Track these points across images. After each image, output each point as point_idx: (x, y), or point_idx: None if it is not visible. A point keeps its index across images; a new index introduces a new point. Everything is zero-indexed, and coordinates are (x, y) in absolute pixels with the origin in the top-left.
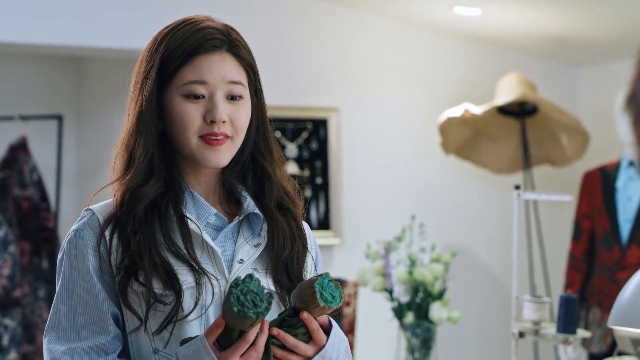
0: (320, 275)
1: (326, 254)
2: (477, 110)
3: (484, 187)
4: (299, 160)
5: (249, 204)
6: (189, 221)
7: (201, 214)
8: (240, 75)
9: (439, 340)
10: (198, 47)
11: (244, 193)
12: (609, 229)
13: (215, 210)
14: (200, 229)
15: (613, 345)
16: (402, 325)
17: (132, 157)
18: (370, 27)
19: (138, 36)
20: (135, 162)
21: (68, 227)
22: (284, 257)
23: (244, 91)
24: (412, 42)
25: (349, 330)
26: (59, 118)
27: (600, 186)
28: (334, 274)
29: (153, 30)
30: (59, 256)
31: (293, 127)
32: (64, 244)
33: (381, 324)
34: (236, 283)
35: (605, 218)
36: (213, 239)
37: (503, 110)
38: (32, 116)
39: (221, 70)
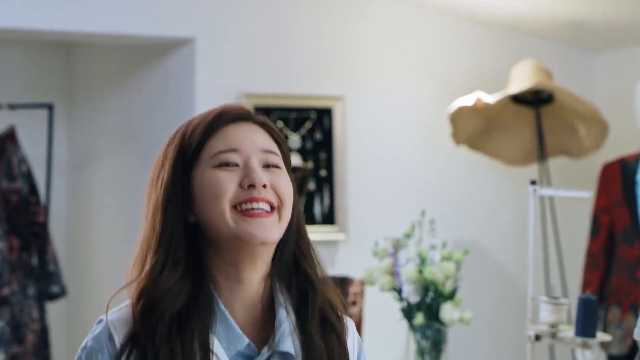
0: None
1: (330, 250)
2: (490, 99)
3: (497, 181)
4: (302, 152)
5: (282, 334)
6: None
7: (232, 342)
8: (273, 146)
9: (450, 343)
10: (222, 118)
11: (281, 313)
12: (629, 224)
13: (248, 341)
14: None
15: (634, 346)
16: (412, 327)
17: (152, 255)
18: (377, 11)
19: (132, 21)
20: (154, 261)
21: (59, 222)
22: None
23: (280, 163)
24: (421, 28)
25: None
26: (50, 107)
27: (619, 179)
28: (339, 271)
29: (149, 15)
30: None
31: (296, 116)
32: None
33: (389, 325)
34: None
35: (625, 212)
36: None
37: (517, 99)
38: (21, 105)
39: (253, 138)
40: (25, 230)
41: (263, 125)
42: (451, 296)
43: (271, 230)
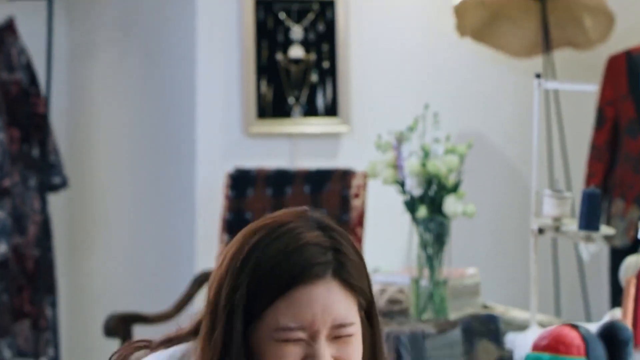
0: None
1: (333, 143)
2: None
3: (501, 73)
4: (305, 43)
5: None
6: None
7: None
8: (351, 312)
9: (453, 236)
10: (297, 278)
11: None
12: (633, 116)
13: None
14: None
15: (636, 239)
16: (415, 220)
17: None
18: None
19: None
20: None
21: (59, 113)
22: None
23: (354, 329)
24: None
25: (358, 224)
26: None
27: (625, 71)
28: (342, 164)
29: None
30: None
31: (299, 8)
32: None
33: (392, 218)
34: None
35: (630, 105)
36: None
37: None
38: None
39: (326, 309)
40: (26, 121)
41: (343, 280)
42: (454, 189)
43: None
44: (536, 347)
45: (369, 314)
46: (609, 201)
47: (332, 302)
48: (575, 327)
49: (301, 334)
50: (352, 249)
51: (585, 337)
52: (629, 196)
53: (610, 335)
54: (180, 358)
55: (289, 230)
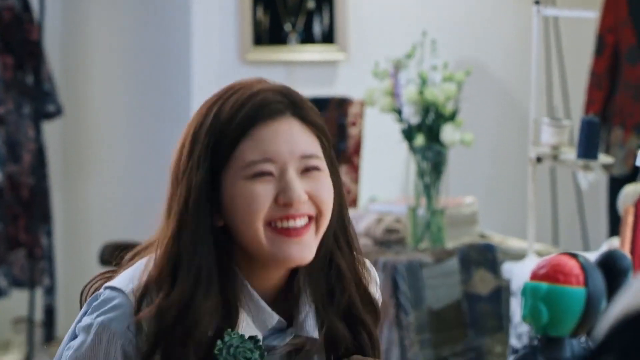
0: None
1: (330, 71)
2: None
3: (500, 0)
4: None
5: (306, 315)
6: None
7: (262, 321)
8: (314, 146)
9: (451, 164)
10: (256, 115)
11: (303, 297)
12: (634, 43)
13: (277, 317)
14: None
15: (635, 167)
16: (412, 148)
17: (178, 267)
18: None
19: None
20: (187, 282)
21: (53, 40)
22: None
23: (320, 162)
24: None
25: (355, 152)
26: None
27: None
28: (339, 92)
29: None
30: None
31: None
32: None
33: (389, 146)
34: (219, 349)
35: (630, 31)
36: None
37: None
38: None
39: (290, 142)
40: (19, 48)
41: (301, 118)
42: (452, 117)
43: (309, 248)
44: (534, 276)
45: (331, 162)
46: (608, 129)
47: (295, 134)
48: (574, 256)
49: (269, 167)
50: (309, 102)
51: (584, 266)
52: (629, 124)
53: (610, 264)
54: (146, 264)
55: (244, 86)
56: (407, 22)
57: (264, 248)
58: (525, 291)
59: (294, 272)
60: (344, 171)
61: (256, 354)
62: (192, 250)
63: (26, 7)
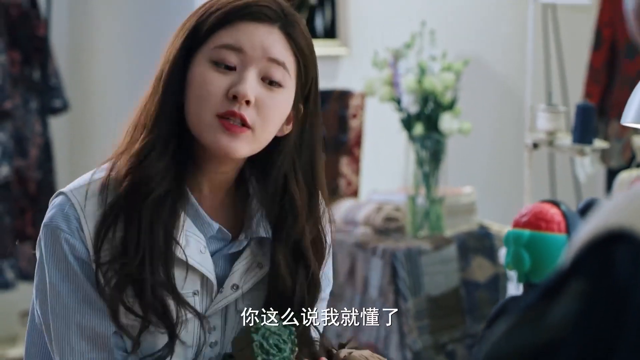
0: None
1: (332, 65)
2: None
3: None
4: None
5: (258, 221)
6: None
7: (201, 227)
8: (287, 58)
9: (449, 153)
10: (243, 11)
11: (254, 204)
12: (631, 37)
13: (217, 226)
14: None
15: (632, 159)
16: (411, 137)
17: (144, 134)
18: None
19: None
20: (145, 142)
21: (60, 36)
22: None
23: (287, 79)
24: None
25: (356, 144)
26: None
27: None
28: (340, 85)
29: None
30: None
31: None
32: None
33: (389, 136)
34: (256, 327)
35: (627, 26)
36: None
37: None
38: None
39: (264, 41)
40: (26, 44)
41: (287, 34)
42: (450, 106)
43: (240, 145)
44: (517, 224)
45: (308, 95)
46: (606, 122)
47: (271, 40)
48: (555, 203)
49: (235, 58)
50: (305, 28)
51: (566, 214)
52: None
53: (591, 212)
54: (108, 167)
55: None
56: (408, 17)
57: (203, 134)
58: (508, 239)
59: (247, 190)
60: (345, 163)
61: (287, 347)
62: (155, 117)
63: (33, 3)
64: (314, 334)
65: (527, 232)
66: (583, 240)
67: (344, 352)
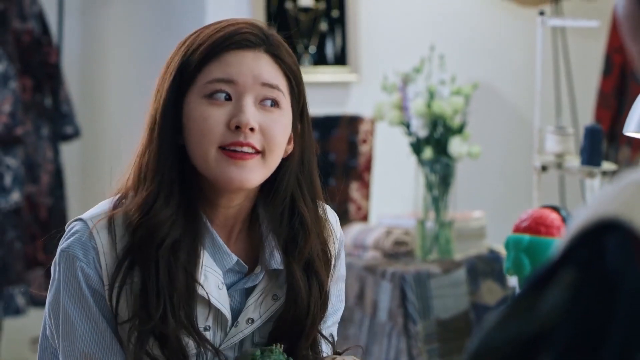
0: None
1: (342, 92)
2: None
3: (508, 17)
4: None
5: (272, 252)
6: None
7: (220, 260)
8: (279, 80)
9: (459, 177)
10: (227, 42)
11: (270, 243)
12: None
13: (236, 258)
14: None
15: None
16: (420, 161)
17: (148, 181)
18: None
19: None
20: (150, 190)
21: (71, 63)
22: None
23: (282, 99)
24: None
25: (365, 169)
26: None
27: None
28: (351, 111)
29: None
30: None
31: None
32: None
33: (399, 160)
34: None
35: None
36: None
37: None
38: None
39: (254, 68)
40: (38, 70)
41: (274, 56)
42: (460, 130)
43: (251, 173)
44: (517, 229)
45: (302, 110)
46: (616, 148)
47: (261, 66)
48: (555, 209)
49: (227, 88)
50: (288, 47)
51: (566, 219)
52: (635, 143)
53: None
54: (111, 200)
55: (226, 21)
56: (418, 43)
57: (210, 169)
58: (508, 244)
59: (257, 216)
60: (354, 188)
61: None
62: (155, 163)
63: (45, 30)
64: (325, 348)
65: (527, 237)
66: (574, 231)
67: (328, 359)
